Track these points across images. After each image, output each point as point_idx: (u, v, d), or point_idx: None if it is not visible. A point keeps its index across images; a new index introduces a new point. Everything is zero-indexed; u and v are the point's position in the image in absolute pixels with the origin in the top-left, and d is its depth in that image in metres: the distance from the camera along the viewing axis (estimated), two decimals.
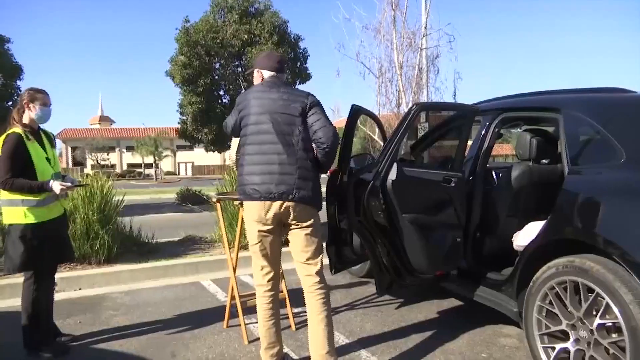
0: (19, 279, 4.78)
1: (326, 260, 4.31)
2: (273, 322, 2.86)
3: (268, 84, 2.88)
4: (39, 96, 3.24)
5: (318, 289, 2.78)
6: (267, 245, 2.81)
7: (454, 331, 3.51)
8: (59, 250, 3.36)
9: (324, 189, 3.05)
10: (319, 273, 2.81)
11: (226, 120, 3.04)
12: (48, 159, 3.25)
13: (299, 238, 2.80)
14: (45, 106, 3.27)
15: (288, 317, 3.64)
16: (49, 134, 3.42)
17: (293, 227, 2.78)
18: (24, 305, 3.21)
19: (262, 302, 2.87)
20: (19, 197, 3.08)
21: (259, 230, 2.76)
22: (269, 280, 2.87)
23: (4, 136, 3.11)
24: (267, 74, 2.92)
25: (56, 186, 3.09)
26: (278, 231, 2.81)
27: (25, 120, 3.21)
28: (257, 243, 2.80)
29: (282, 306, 3.75)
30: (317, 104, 2.80)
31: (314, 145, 2.77)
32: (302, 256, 2.82)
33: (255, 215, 2.74)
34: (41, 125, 3.35)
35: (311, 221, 2.79)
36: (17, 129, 3.14)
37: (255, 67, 3.00)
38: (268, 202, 2.68)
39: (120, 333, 3.59)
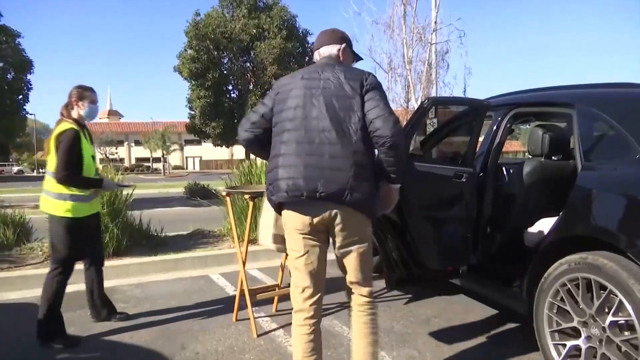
0: (29, 271, 4.84)
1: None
2: (315, 358, 2.30)
3: (320, 63, 2.41)
4: (87, 94, 3.35)
5: (368, 309, 2.35)
6: (315, 259, 2.29)
7: (463, 327, 3.50)
8: (94, 244, 3.57)
9: None
10: (370, 292, 2.36)
11: (254, 109, 2.49)
12: (93, 157, 3.40)
13: (352, 256, 2.29)
14: (93, 104, 3.39)
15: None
16: (88, 130, 3.53)
17: (342, 239, 2.26)
18: (46, 296, 3.27)
19: (302, 332, 2.29)
20: (67, 192, 3.20)
21: (305, 238, 2.26)
22: (311, 305, 2.30)
23: (59, 131, 3.21)
24: (319, 52, 2.47)
25: (111, 184, 3.35)
26: (325, 240, 2.32)
27: (75, 116, 3.32)
28: (303, 256, 2.28)
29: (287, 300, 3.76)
30: (376, 86, 2.26)
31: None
32: (355, 275, 2.33)
33: (297, 222, 2.24)
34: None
35: (363, 234, 2.27)
36: (72, 125, 3.24)
37: (314, 49, 2.55)
38: (314, 204, 2.18)
39: (130, 325, 3.61)
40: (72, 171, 3.17)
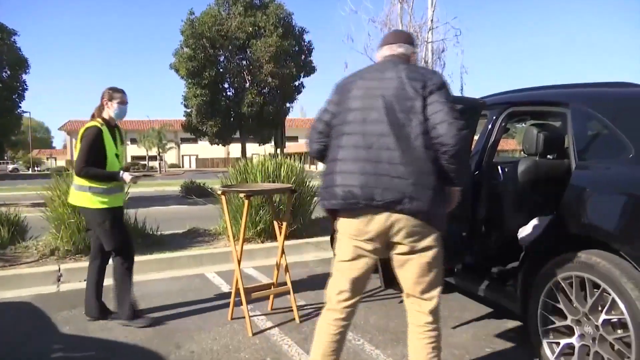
0: (24, 269, 4.83)
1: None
2: (335, 358, 2.25)
3: (382, 62, 2.29)
4: (117, 95, 3.55)
5: (429, 330, 2.18)
6: (361, 267, 2.18)
7: (459, 325, 3.51)
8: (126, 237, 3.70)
9: None
10: (434, 312, 2.18)
11: (318, 116, 2.35)
12: (117, 155, 3.56)
13: (410, 265, 2.14)
14: (123, 104, 3.58)
15: (292, 310, 3.64)
16: (121, 132, 3.74)
17: (403, 248, 2.12)
18: (121, 281, 3.60)
19: (329, 332, 2.23)
20: (86, 184, 3.42)
21: (356, 247, 2.15)
22: (345, 307, 2.23)
23: (84, 128, 3.45)
24: (382, 51, 2.34)
25: (127, 176, 3.44)
26: (381, 252, 2.18)
27: (105, 116, 3.54)
28: (348, 262, 2.19)
29: (286, 299, 3.77)
30: (440, 87, 2.09)
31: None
32: (414, 288, 2.17)
33: (352, 229, 2.14)
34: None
35: (428, 242, 2.11)
36: (97, 123, 3.45)
37: (380, 45, 2.40)
38: (370, 212, 2.06)
39: (126, 324, 3.61)
40: (88, 165, 3.37)
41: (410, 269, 2.15)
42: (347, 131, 2.15)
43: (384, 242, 2.13)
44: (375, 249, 2.15)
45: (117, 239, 3.53)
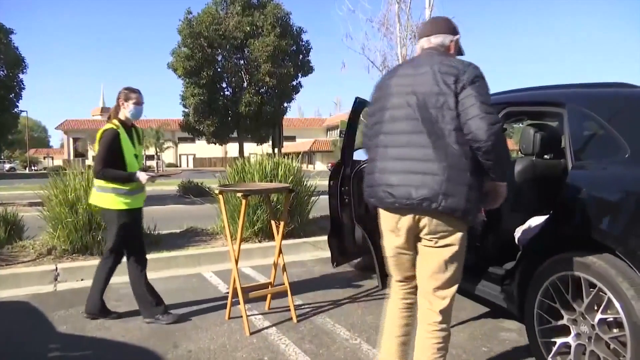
0: (20, 269, 4.82)
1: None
2: (403, 334, 2.37)
3: (418, 56, 2.25)
4: (133, 96, 3.57)
5: (437, 330, 2.16)
6: (404, 261, 2.28)
7: (455, 325, 3.52)
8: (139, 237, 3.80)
9: None
10: (445, 312, 2.16)
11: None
12: (135, 155, 3.60)
13: (431, 258, 2.14)
14: (138, 105, 3.60)
15: (290, 309, 3.64)
16: (139, 131, 3.78)
17: (426, 242, 2.13)
18: (136, 283, 3.66)
19: (397, 307, 2.38)
20: (109, 185, 3.47)
21: (395, 245, 2.23)
22: (403, 290, 2.38)
23: (101, 130, 3.50)
24: (420, 43, 2.29)
25: (142, 176, 3.46)
26: (414, 246, 2.21)
27: (121, 117, 3.58)
28: (392, 257, 2.31)
29: (283, 299, 3.77)
30: (474, 80, 2.02)
31: None
32: (428, 283, 2.17)
33: (388, 224, 2.21)
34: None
35: (453, 238, 2.09)
36: (113, 125, 3.49)
37: (419, 37, 2.34)
38: (404, 210, 2.10)
39: (123, 323, 3.61)
40: (104, 166, 3.42)
41: (427, 263, 2.16)
42: (383, 130, 2.17)
43: (415, 237, 2.17)
44: (408, 246, 2.20)
45: (120, 242, 3.56)
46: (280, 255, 3.73)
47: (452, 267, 2.14)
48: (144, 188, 3.71)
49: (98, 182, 3.54)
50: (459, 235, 2.10)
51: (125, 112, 3.58)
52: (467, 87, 2.01)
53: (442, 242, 2.09)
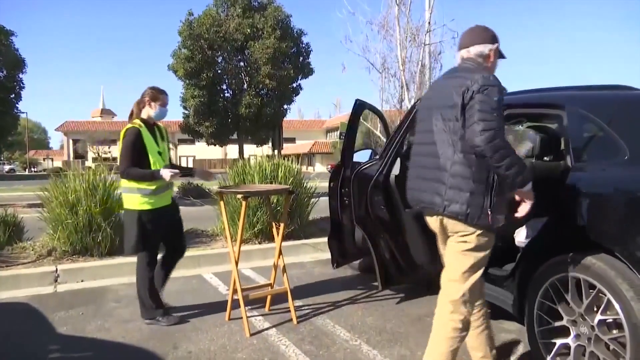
0: (20, 270, 4.82)
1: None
2: (482, 329, 2.56)
3: (450, 69, 2.39)
4: (161, 97, 3.59)
5: (447, 319, 2.34)
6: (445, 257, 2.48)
7: None
8: (174, 235, 3.78)
9: None
10: (455, 303, 2.31)
11: None
12: (159, 152, 3.58)
13: (451, 252, 2.36)
14: (164, 106, 3.61)
15: (290, 311, 3.65)
16: (162, 129, 3.74)
17: (451, 238, 2.36)
18: (139, 284, 3.62)
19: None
20: (135, 185, 3.45)
21: (439, 240, 2.50)
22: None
23: (123, 131, 3.50)
24: (460, 54, 2.39)
25: (166, 173, 3.38)
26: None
27: (144, 115, 3.57)
28: (442, 255, 2.52)
29: (283, 300, 3.77)
30: (480, 89, 2.11)
31: None
32: (445, 273, 2.40)
33: (430, 225, 2.48)
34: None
35: (469, 237, 2.25)
36: (135, 124, 3.48)
37: (459, 48, 2.46)
38: (428, 212, 2.38)
39: (123, 325, 3.61)
40: (129, 165, 3.41)
41: (449, 256, 2.39)
42: (414, 141, 2.50)
43: (443, 237, 2.41)
44: (442, 244, 2.48)
45: (144, 242, 3.49)
46: (280, 256, 3.73)
47: (464, 262, 2.29)
48: (171, 186, 3.67)
49: (124, 184, 3.51)
50: (474, 235, 2.25)
51: (150, 111, 3.57)
52: (475, 96, 2.12)
53: (460, 238, 2.29)
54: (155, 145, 3.55)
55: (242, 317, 3.43)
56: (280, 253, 3.73)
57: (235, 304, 3.57)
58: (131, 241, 3.50)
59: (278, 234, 3.76)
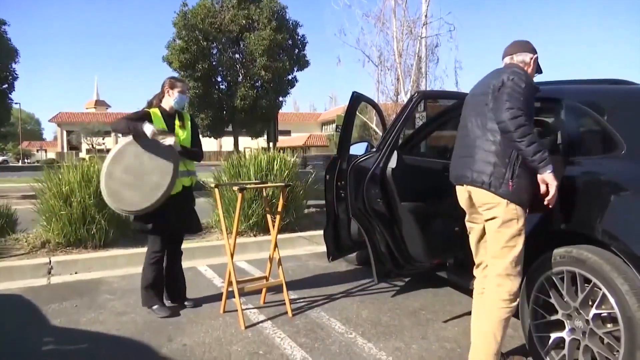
0: (14, 262, 4.79)
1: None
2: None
3: (498, 68, 2.69)
4: (179, 84, 3.66)
5: (498, 292, 2.49)
6: (473, 235, 2.79)
7: (450, 319, 3.53)
8: (184, 221, 3.75)
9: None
10: (501, 277, 2.49)
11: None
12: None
13: (487, 232, 2.60)
14: (183, 93, 3.67)
15: (285, 303, 3.64)
16: (185, 117, 3.77)
17: (483, 216, 2.59)
18: (143, 270, 3.67)
19: (477, 292, 2.80)
20: None
21: (468, 216, 2.78)
22: (479, 272, 2.81)
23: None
24: (505, 61, 2.72)
25: (147, 127, 3.34)
26: (475, 218, 2.72)
27: (165, 105, 3.63)
28: (469, 232, 2.83)
29: (279, 293, 3.77)
30: (508, 78, 2.42)
31: None
32: (488, 250, 2.63)
33: (460, 201, 2.77)
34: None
35: (493, 208, 2.47)
36: (150, 109, 3.57)
37: (504, 55, 2.77)
38: (458, 186, 2.71)
39: (117, 317, 3.60)
40: (118, 121, 3.44)
41: (487, 233, 2.58)
42: (460, 124, 2.76)
43: (472, 211, 2.70)
44: (473, 218, 2.74)
45: (153, 228, 3.53)
46: (276, 249, 3.72)
47: (500, 238, 2.47)
48: (188, 173, 3.66)
49: None
50: (500, 208, 2.44)
51: (170, 100, 3.61)
52: (505, 83, 2.41)
53: (489, 213, 2.50)
54: (166, 128, 3.53)
55: (237, 310, 3.42)
56: (275, 246, 3.72)
57: (230, 297, 3.57)
58: (141, 224, 3.57)
59: (274, 227, 3.74)
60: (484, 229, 2.65)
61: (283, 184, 4.08)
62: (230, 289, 3.53)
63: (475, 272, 2.84)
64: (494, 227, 2.49)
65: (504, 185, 2.41)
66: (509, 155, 2.42)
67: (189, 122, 3.77)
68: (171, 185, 3.41)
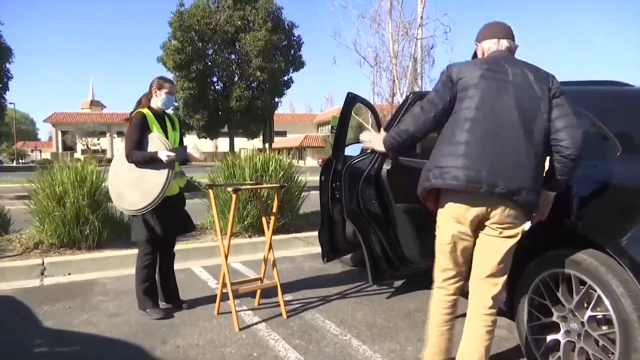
0: (6, 263, 4.75)
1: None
2: (448, 329, 2.45)
3: (498, 55, 2.33)
4: (167, 85, 3.62)
5: (489, 315, 2.33)
6: (459, 251, 2.34)
7: None
8: (178, 224, 3.75)
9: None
10: (495, 298, 2.33)
11: (429, 98, 2.37)
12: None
13: (494, 247, 2.27)
14: (171, 94, 3.65)
15: (279, 305, 3.62)
16: (174, 120, 3.81)
17: (492, 231, 2.26)
18: (136, 273, 3.64)
19: (440, 306, 2.45)
20: None
21: (458, 231, 2.29)
22: (451, 285, 2.42)
23: (131, 115, 3.54)
24: (488, 43, 2.38)
25: (162, 155, 3.36)
26: (475, 235, 2.32)
27: (153, 105, 3.60)
28: (450, 244, 2.33)
29: (273, 294, 3.75)
30: (563, 92, 2.23)
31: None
32: (484, 269, 2.31)
33: (454, 212, 2.26)
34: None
35: (516, 231, 2.25)
36: (142, 110, 3.52)
37: (476, 42, 2.47)
38: (482, 198, 2.17)
39: (110, 319, 3.57)
40: (131, 148, 3.42)
41: (490, 252, 2.28)
42: (473, 116, 2.19)
43: (478, 227, 2.28)
44: (472, 231, 2.28)
45: (145, 233, 3.49)
46: (271, 250, 3.71)
47: (509, 258, 2.30)
48: (179, 175, 3.65)
49: None
50: (522, 226, 2.26)
51: (157, 100, 3.59)
52: (559, 97, 2.24)
53: (507, 232, 2.24)
54: (162, 132, 3.55)
55: (231, 312, 3.39)
56: (270, 247, 3.70)
57: (225, 298, 3.54)
58: (137, 232, 3.53)
59: (269, 228, 3.73)
60: (474, 241, 2.35)
61: (278, 184, 4.07)
62: (224, 291, 3.50)
63: (444, 283, 2.45)
64: (510, 246, 2.27)
65: (537, 205, 2.27)
66: (541, 173, 2.26)
67: (177, 124, 3.81)
68: (166, 185, 3.40)
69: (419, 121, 2.38)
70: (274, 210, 3.82)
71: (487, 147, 2.15)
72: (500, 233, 2.24)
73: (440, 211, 2.35)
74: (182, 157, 3.52)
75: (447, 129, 2.29)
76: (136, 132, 3.44)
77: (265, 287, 3.80)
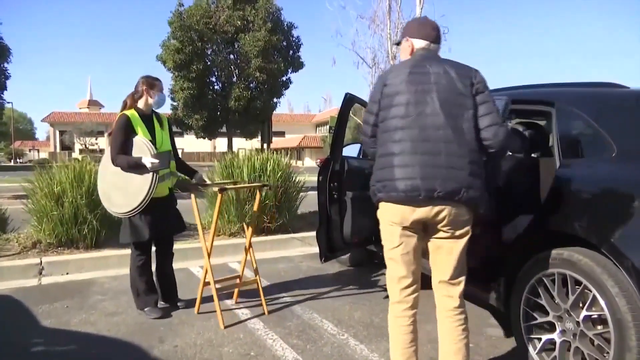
0: (4, 262, 4.75)
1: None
2: (413, 350, 2.33)
3: (423, 56, 2.31)
4: (157, 84, 3.57)
5: (458, 314, 2.29)
6: (411, 250, 2.26)
7: None
8: (170, 224, 3.75)
9: None
10: (461, 296, 2.30)
11: (365, 120, 2.39)
12: (153, 141, 3.49)
13: (449, 249, 2.25)
14: (162, 92, 3.62)
15: (279, 305, 3.63)
16: (163, 119, 3.71)
17: (442, 234, 2.23)
18: (131, 273, 3.66)
19: (402, 324, 2.32)
20: None
21: (402, 231, 2.23)
22: (408, 295, 2.31)
23: (116, 119, 3.46)
24: (420, 44, 2.36)
25: (147, 161, 3.29)
26: (421, 233, 2.28)
27: (141, 105, 3.53)
28: (398, 246, 2.25)
29: (273, 294, 3.76)
30: (486, 86, 2.23)
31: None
32: (445, 273, 2.28)
33: (396, 217, 2.22)
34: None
35: (467, 229, 2.24)
36: (128, 112, 3.45)
37: (405, 35, 2.43)
38: (425, 202, 2.14)
39: (108, 318, 3.57)
40: (116, 152, 3.36)
41: (444, 254, 2.27)
42: (401, 125, 2.19)
43: (423, 228, 2.26)
44: (418, 232, 2.25)
45: (131, 236, 3.49)
46: (251, 249, 3.82)
47: (464, 256, 2.28)
48: (169, 177, 3.60)
49: None
50: (470, 225, 2.25)
51: (150, 100, 3.53)
52: (482, 93, 2.22)
53: (458, 232, 2.22)
54: (148, 133, 3.47)
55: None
56: (250, 246, 3.81)
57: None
58: (125, 233, 3.51)
59: (248, 228, 3.83)
60: (423, 243, 2.32)
61: (260, 184, 4.12)
62: (207, 293, 3.51)
63: (402, 294, 2.33)
64: (463, 244, 2.25)
65: (486, 201, 2.24)
66: (483, 165, 2.24)
67: (166, 122, 3.74)
68: (150, 191, 3.34)
69: (365, 145, 2.47)
70: (255, 209, 3.87)
71: (417, 154, 2.14)
72: (452, 234, 2.22)
73: (384, 218, 2.29)
74: (166, 165, 3.45)
75: (380, 141, 2.30)
76: (120, 135, 3.37)
77: (245, 286, 3.87)
